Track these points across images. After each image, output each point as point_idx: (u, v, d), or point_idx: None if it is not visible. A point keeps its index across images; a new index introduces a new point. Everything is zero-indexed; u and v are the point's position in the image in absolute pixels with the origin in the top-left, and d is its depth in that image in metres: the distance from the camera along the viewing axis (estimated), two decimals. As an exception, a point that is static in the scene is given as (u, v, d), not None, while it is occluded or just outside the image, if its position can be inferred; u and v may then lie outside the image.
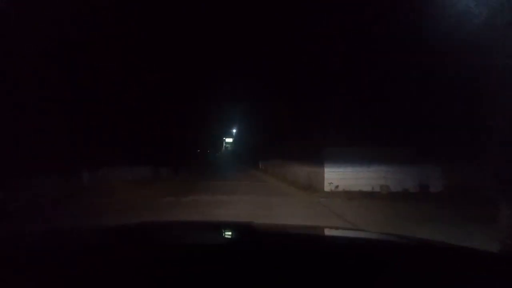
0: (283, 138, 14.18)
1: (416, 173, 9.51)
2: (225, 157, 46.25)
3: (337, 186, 9.39)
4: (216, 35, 16.56)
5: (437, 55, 7.47)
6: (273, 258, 0.98)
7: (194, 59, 17.86)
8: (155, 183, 11.52)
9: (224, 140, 57.22)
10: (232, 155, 45.81)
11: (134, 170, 12.00)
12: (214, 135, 45.54)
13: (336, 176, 9.44)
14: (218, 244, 1.19)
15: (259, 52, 15.78)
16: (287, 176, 13.28)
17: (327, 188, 9.41)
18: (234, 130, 44.58)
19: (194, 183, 12.14)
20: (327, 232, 1.84)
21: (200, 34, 15.57)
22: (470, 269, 0.96)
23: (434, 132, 9.09)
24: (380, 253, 1.13)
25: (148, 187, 10.47)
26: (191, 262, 0.91)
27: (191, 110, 22.94)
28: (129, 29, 10.68)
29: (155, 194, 9.21)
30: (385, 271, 0.90)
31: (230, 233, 1.54)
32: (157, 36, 12.58)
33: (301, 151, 11.59)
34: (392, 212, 6.75)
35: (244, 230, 1.51)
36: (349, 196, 8.65)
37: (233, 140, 51.72)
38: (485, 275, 0.90)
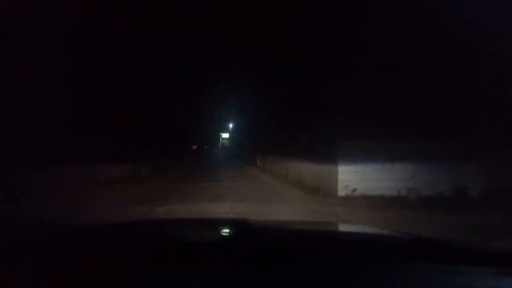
0: (285, 131, 12.22)
1: (451, 173, 7.60)
2: (221, 153, 44.43)
3: (354, 190, 7.46)
4: (214, 26, 15.74)
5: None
6: (270, 254, 0.93)
7: (191, 52, 17.08)
8: (130, 185, 9.56)
9: (221, 135, 55.23)
10: (228, 151, 43.99)
11: (108, 169, 10.01)
12: (211, 130, 43.77)
13: (353, 177, 7.50)
14: (214, 241, 1.11)
15: (255, 37, 14.41)
16: (289, 175, 11.34)
17: (341, 192, 7.49)
18: (231, 125, 42.61)
19: (179, 185, 10.22)
20: (325, 227, 1.75)
21: (197, 27, 14.88)
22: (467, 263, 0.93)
23: (475, 124, 7.29)
24: (378, 248, 1.10)
25: (120, 190, 8.52)
26: (186, 260, 0.87)
27: (186, 105, 21.57)
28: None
29: (124, 200, 7.27)
30: (383, 267, 0.87)
31: (226, 230, 1.49)
32: (154, 25, 11.45)
33: (307, 145, 9.65)
34: (443, 230, 4.84)
35: (240, 226, 1.45)
36: (371, 203, 6.74)
37: (230, 135, 49.75)
38: (483, 270, 0.87)
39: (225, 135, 53.86)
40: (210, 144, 46.18)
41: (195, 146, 43.24)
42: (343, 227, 1.99)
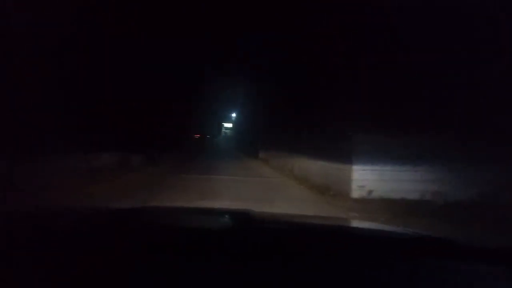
0: (291, 120, 11.20)
1: (482, 177, 6.56)
2: (223, 143, 43.56)
3: (370, 192, 6.47)
4: (218, 16, 15.35)
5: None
6: (271, 253, 0.89)
7: (194, 43, 16.83)
8: (117, 176, 8.62)
9: (223, 125, 54.25)
10: (230, 141, 43.15)
11: (93, 158, 9.05)
12: (213, 119, 42.87)
13: (370, 176, 6.50)
14: (214, 238, 1.05)
15: (261, 26, 13.63)
16: (294, 170, 10.35)
17: (355, 193, 6.49)
18: (234, 115, 41.63)
19: (171, 177, 9.28)
20: (331, 222, 1.75)
21: (203, 17, 14.81)
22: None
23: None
24: (382, 245, 1.04)
25: (103, 182, 7.58)
26: (186, 259, 0.85)
27: (189, 94, 20.85)
28: None
29: (106, 194, 6.35)
30: (385, 263, 0.86)
31: (227, 220, 1.46)
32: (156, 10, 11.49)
33: (316, 138, 8.65)
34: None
35: (242, 221, 1.35)
36: (391, 208, 5.75)
37: (232, 125, 48.81)
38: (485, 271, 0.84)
39: (228, 125, 52.95)
40: (212, 133, 45.37)
41: (198, 135, 42.52)
42: (348, 223, 1.96)
